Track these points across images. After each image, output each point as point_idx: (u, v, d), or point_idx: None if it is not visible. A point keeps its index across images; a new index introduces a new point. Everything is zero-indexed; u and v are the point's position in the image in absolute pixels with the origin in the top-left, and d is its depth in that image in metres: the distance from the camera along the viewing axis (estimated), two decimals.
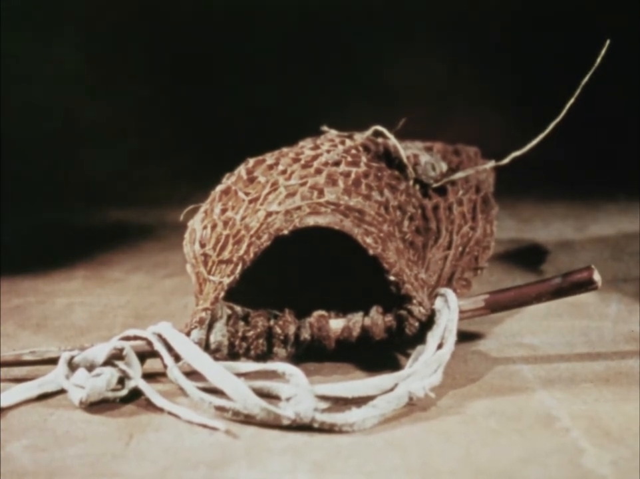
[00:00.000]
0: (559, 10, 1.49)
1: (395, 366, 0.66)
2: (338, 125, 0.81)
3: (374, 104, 1.42)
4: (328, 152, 0.73)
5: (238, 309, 0.68)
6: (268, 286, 0.71)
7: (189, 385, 0.61)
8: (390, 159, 0.76)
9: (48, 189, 1.37)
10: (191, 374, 0.62)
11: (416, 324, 0.67)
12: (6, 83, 1.44)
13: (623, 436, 0.56)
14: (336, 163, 0.71)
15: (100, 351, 0.64)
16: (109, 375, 0.62)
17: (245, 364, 0.64)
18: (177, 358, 0.64)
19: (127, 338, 0.65)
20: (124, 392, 0.62)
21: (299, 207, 0.66)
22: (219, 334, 0.66)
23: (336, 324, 0.67)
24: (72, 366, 0.64)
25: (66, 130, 1.50)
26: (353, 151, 0.73)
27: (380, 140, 0.78)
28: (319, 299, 0.69)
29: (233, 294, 0.67)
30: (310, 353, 0.68)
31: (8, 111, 1.44)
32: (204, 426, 0.58)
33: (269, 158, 0.73)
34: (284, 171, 0.70)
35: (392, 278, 0.66)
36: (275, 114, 1.49)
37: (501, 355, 0.70)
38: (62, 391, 0.63)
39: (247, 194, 0.69)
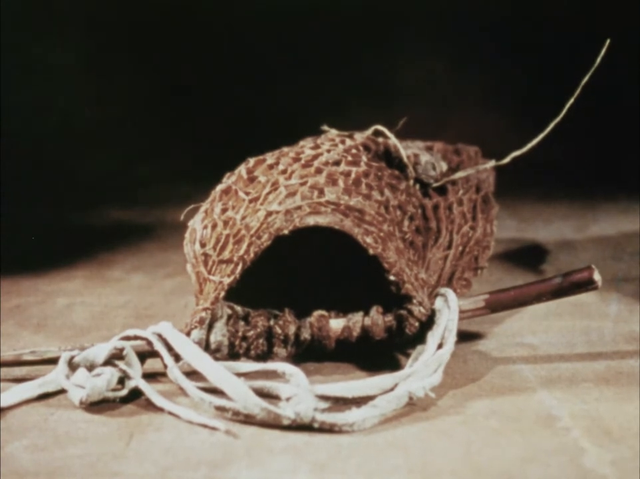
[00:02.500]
0: (559, 10, 1.49)
1: (395, 366, 0.66)
2: (338, 125, 0.81)
3: (374, 104, 1.42)
4: (328, 151, 0.72)
5: (238, 308, 0.68)
6: (268, 286, 0.71)
7: (189, 385, 0.61)
8: (390, 158, 0.76)
9: (48, 189, 1.37)
10: (192, 374, 0.62)
11: (416, 324, 0.67)
12: (7, 83, 1.44)
13: (624, 435, 0.55)
14: (337, 163, 0.71)
15: (100, 351, 0.64)
16: (109, 375, 0.62)
17: (245, 364, 0.64)
18: (177, 358, 0.64)
19: (127, 338, 0.65)
20: (124, 392, 0.62)
21: (299, 207, 0.66)
22: (219, 334, 0.66)
23: (336, 324, 0.67)
24: (72, 366, 0.64)
25: (66, 130, 1.50)
26: (353, 150, 0.73)
27: (380, 139, 0.78)
28: (319, 298, 0.69)
29: (233, 294, 0.67)
30: (310, 353, 0.68)
31: (8, 111, 1.44)
32: (204, 426, 0.58)
33: (270, 158, 0.73)
34: (284, 171, 0.70)
35: (392, 278, 0.66)
36: (275, 114, 1.49)
37: (501, 355, 0.70)
38: (62, 391, 0.63)
39: (247, 194, 0.69)
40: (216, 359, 0.63)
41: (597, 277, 0.67)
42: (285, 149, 0.75)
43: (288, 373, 0.60)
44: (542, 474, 0.51)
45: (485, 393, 0.63)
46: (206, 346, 0.66)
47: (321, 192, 0.67)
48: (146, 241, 1.15)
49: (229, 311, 0.68)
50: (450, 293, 0.68)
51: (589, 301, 0.81)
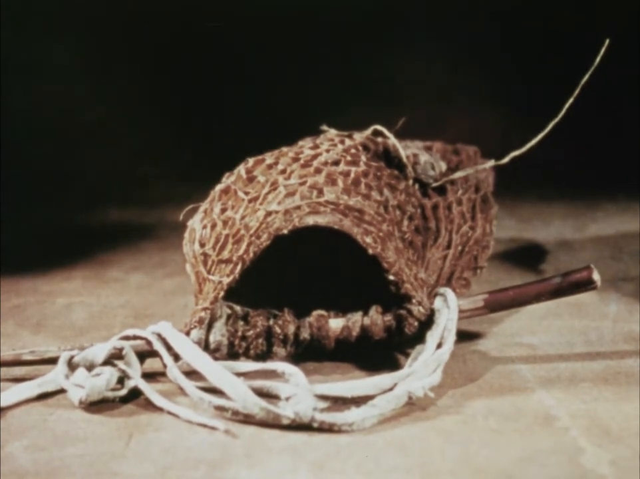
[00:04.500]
0: (559, 10, 1.49)
1: (394, 366, 0.66)
2: (338, 125, 0.81)
3: (373, 104, 1.42)
4: (327, 151, 0.73)
5: (238, 308, 0.68)
6: (268, 286, 0.71)
7: (188, 385, 0.61)
8: (389, 158, 0.76)
9: (48, 189, 1.37)
10: (191, 374, 0.62)
11: (416, 323, 0.67)
12: (7, 83, 1.44)
13: (623, 435, 0.56)
14: (336, 163, 0.71)
15: (99, 351, 0.64)
16: (109, 375, 0.62)
17: (244, 363, 0.64)
18: (176, 357, 0.64)
19: (126, 338, 0.65)
20: (123, 392, 0.62)
21: (298, 207, 0.66)
22: (218, 334, 0.66)
23: (335, 323, 0.67)
24: (71, 366, 0.64)
25: (66, 130, 1.50)
26: (353, 150, 0.73)
27: (379, 139, 0.78)
28: (319, 298, 0.69)
29: (232, 293, 0.67)
30: (309, 353, 0.68)
31: (8, 111, 1.44)
32: (204, 425, 0.58)
33: (269, 158, 0.73)
34: (283, 171, 0.70)
35: (391, 277, 0.66)
36: (275, 114, 1.49)
37: (500, 355, 0.70)
38: (61, 391, 0.63)
39: (246, 194, 0.69)
40: (215, 359, 0.63)
41: (596, 276, 0.67)
42: (284, 149, 0.75)
43: (287, 373, 0.61)
44: (541, 473, 0.51)
45: (484, 393, 0.63)
46: (205, 346, 0.66)
47: (320, 192, 0.67)
48: (145, 241, 1.15)
49: (229, 311, 0.68)
50: (449, 292, 0.68)
51: (588, 301, 0.81)
